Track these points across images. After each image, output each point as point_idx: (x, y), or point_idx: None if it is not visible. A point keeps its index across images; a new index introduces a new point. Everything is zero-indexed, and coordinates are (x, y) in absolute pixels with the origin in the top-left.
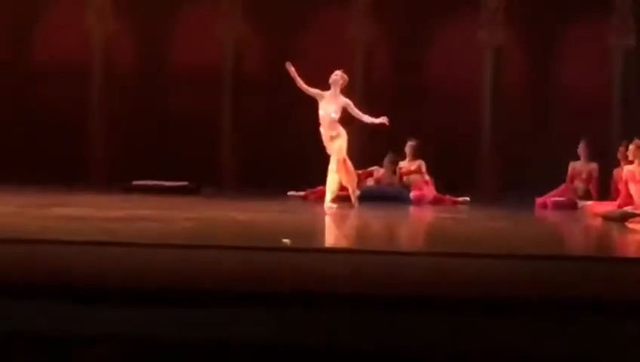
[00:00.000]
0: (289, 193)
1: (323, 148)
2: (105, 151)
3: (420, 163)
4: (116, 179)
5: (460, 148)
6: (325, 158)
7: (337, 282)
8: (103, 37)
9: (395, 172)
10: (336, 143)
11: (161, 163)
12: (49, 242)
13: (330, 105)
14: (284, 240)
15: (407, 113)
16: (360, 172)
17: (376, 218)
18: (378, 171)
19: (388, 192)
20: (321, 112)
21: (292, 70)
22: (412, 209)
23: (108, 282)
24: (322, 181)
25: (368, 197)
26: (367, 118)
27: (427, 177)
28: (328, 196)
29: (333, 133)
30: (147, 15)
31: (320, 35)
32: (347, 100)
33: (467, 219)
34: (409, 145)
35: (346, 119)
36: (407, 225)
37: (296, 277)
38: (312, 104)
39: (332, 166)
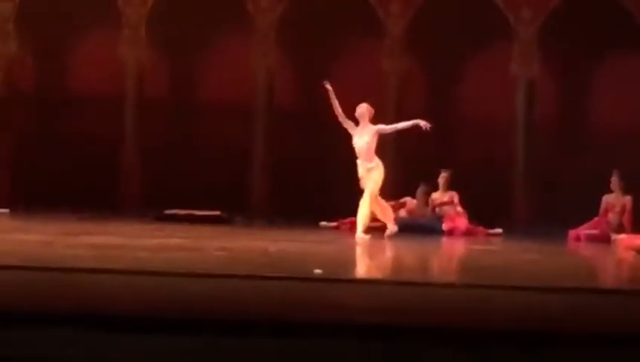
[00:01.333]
0: (321, 223)
1: (355, 179)
2: (138, 180)
3: (453, 194)
4: (149, 208)
5: (493, 180)
6: (358, 188)
7: (369, 313)
8: (137, 67)
9: (427, 203)
10: (374, 175)
11: (193, 192)
12: (80, 270)
13: (363, 137)
14: (316, 271)
15: (440, 144)
16: (392, 203)
17: (409, 249)
18: (411, 202)
19: (420, 224)
20: (356, 145)
21: (331, 91)
22: (444, 240)
23: (139, 311)
24: (354, 211)
25: (400, 228)
26: (402, 124)
27: (460, 209)
28: (360, 227)
29: (371, 165)
30: (180, 46)
31: (353, 67)
32: (377, 126)
33: (499, 250)
34: (442, 177)
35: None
36: (439, 256)
37: (327, 308)
38: (345, 134)
39: (365, 198)
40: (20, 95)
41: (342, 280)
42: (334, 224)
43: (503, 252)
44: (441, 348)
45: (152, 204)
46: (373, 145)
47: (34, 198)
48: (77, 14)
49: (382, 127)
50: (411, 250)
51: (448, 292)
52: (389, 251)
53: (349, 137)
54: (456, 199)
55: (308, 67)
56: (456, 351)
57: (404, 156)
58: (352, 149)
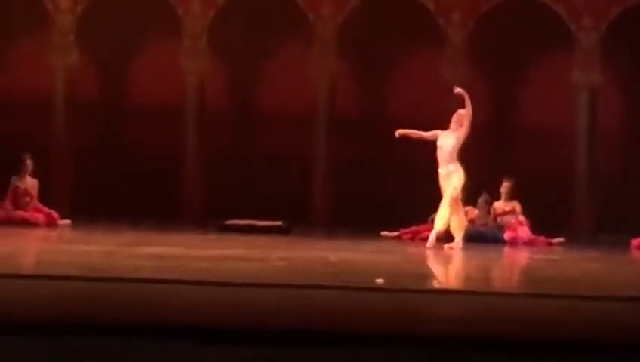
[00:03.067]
0: (382, 233)
1: (418, 187)
2: (198, 191)
3: (515, 204)
4: (209, 219)
5: (554, 189)
6: (419, 197)
7: (431, 321)
8: (198, 77)
9: (489, 212)
10: (454, 179)
11: (254, 202)
12: (142, 281)
13: (447, 139)
14: (377, 281)
15: (502, 153)
16: None
17: (470, 259)
18: (472, 211)
19: (482, 233)
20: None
21: (407, 133)
22: (506, 250)
23: (201, 321)
24: (416, 220)
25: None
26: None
27: (522, 218)
28: (438, 229)
29: (451, 168)
30: (240, 55)
31: (414, 75)
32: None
33: (562, 260)
34: (505, 186)
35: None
36: (500, 266)
37: (388, 317)
38: (406, 143)
39: (445, 201)
40: (82, 106)
41: (404, 289)
42: (396, 234)
43: (564, 261)
44: (505, 357)
45: (213, 215)
46: (455, 151)
47: (95, 209)
48: (137, 25)
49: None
50: (473, 260)
51: (510, 301)
52: (451, 261)
53: (410, 146)
54: (518, 208)
55: (369, 75)
56: (519, 361)
57: (465, 165)
58: (413, 158)
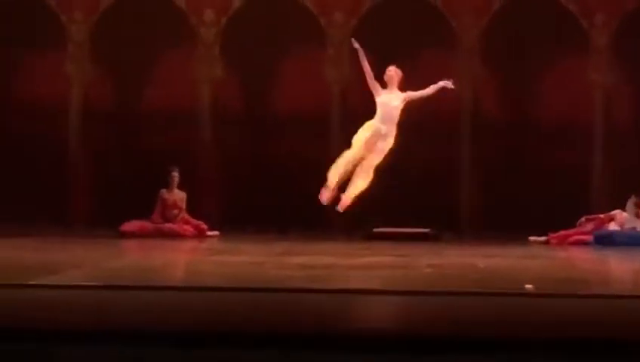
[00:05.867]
0: (530, 238)
1: (565, 193)
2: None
3: None
4: (356, 227)
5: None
6: (567, 201)
7: (585, 326)
8: (341, 85)
9: (638, 215)
10: (388, 143)
11: (401, 210)
12: (292, 291)
13: (392, 101)
14: (527, 286)
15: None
16: (602, 216)
17: (621, 262)
18: (621, 215)
19: (631, 236)
20: (385, 106)
21: (360, 51)
22: None
23: (352, 329)
24: (565, 225)
25: (611, 240)
26: (429, 90)
27: None
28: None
29: (393, 131)
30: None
31: (558, 79)
32: (405, 92)
33: None
34: None
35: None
36: None
37: (540, 323)
38: (556, 146)
39: (370, 167)
40: (229, 117)
41: (554, 295)
42: (544, 238)
43: None
44: None
45: (360, 223)
46: (398, 113)
47: (242, 220)
48: (282, 35)
49: (410, 93)
50: (623, 263)
51: None
52: (600, 264)
53: (559, 150)
54: None
55: (512, 80)
56: None
57: (611, 168)
58: (559, 162)
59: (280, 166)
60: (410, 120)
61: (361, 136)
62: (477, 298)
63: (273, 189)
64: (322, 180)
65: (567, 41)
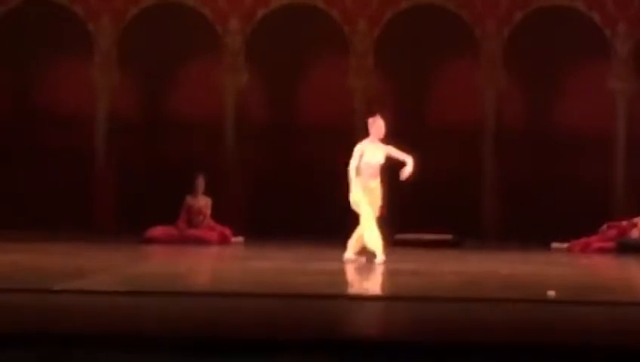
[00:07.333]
0: (553, 245)
1: (587, 200)
2: None
3: None
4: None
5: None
6: (595, 210)
7: (607, 334)
8: (364, 94)
9: None
10: (378, 187)
11: (424, 216)
12: (316, 297)
13: (378, 155)
14: (549, 293)
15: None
16: (624, 223)
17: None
18: None
19: None
20: (376, 161)
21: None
22: None
23: (375, 335)
24: (588, 232)
25: (633, 248)
26: (402, 155)
27: None
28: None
29: (378, 177)
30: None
31: (579, 87)
32: (387, 146)
33: None
34: None
35: None
36: None
37: (562, 330)
38: (579, 153)
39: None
40: (254, 125)
41: (576, 301)
42: (566, 245)
43: None
44: None
45: (382, 229)
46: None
47: (267, 226)
48: (306, 45)
49: (392, 150)
50: None
51: None
52: (621, 272)
53: (582, 158)
54: None
55: (534, 89)
56: None
57: (634, 176)
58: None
59: (303, 173)
60: (435, 129)
61: (358, 198)
62: (499, 304)
63: (297, 196)
64: (345, 187)
65: (589, 50)
